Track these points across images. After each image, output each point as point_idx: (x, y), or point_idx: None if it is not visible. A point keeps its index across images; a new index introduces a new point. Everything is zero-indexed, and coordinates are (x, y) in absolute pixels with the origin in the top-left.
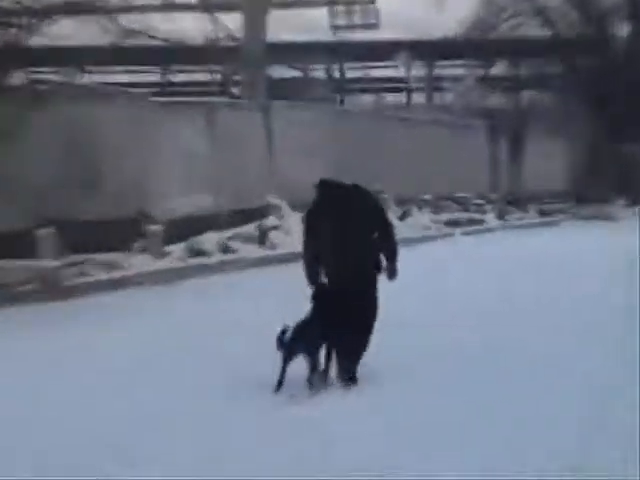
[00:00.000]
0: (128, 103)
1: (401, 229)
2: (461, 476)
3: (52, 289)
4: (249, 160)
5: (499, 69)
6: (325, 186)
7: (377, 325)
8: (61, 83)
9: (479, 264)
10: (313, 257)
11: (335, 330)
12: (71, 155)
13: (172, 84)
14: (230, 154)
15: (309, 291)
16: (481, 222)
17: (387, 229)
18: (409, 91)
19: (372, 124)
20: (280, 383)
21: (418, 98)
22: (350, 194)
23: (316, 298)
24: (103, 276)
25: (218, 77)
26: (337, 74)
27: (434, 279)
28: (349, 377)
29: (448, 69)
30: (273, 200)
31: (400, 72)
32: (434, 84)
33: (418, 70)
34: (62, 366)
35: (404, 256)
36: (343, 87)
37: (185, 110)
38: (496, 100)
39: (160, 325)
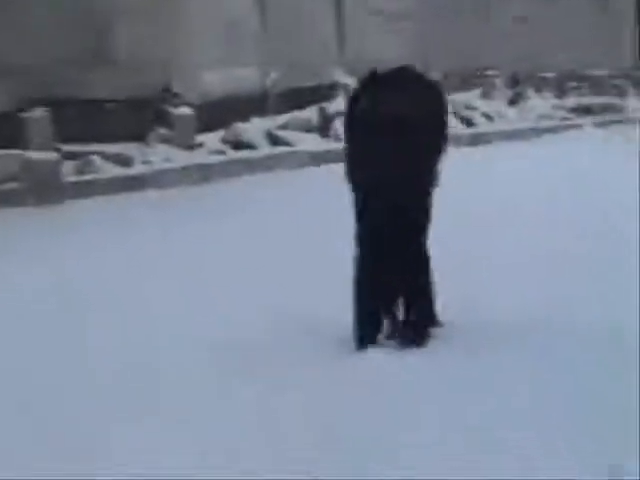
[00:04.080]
0: None
1: (511, 117)
2: None
3: (46, 188)
4: (310, 22)
5: None
6: (374, 82)
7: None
8: None
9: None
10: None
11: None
12: (69, 13)
13: None
14: (283, 13)
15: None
16: (621, 109)
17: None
18: None
19: None
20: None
21: None
22: (411, 81)
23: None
24: (113, 173)
25: None
26: None
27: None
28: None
29: None
30: (341, 77)
31: None
32: None
33: None
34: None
35: (508, 153)
36: None
37: None
38: None
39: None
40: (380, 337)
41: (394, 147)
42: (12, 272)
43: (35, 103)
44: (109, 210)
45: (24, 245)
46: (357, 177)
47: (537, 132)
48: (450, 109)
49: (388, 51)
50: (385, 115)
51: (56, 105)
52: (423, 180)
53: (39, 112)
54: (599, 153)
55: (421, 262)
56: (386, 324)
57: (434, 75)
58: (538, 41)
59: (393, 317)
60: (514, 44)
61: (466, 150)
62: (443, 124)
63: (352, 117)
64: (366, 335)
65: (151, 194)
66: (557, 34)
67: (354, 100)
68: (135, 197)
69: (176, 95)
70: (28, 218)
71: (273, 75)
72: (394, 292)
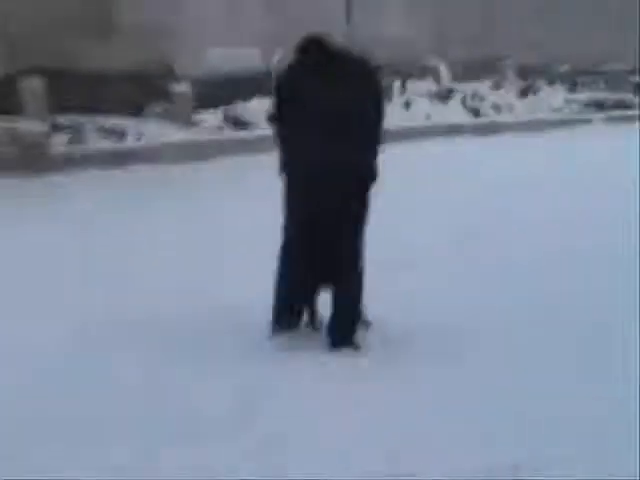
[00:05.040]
0: None
1: (520, 109)
2: None
3: (34, 158)
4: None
5: None
6: (309, 49)
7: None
8: None
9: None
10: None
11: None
12: None
13: None
14: None
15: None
16: (633, 106)
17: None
18: None
19: None
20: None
21: None
22: (342, 64)
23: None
24: (104, 145)
25: None
26: None
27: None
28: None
29: None
30: None
31: None
32: None
33: None
34: None
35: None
36: None
37: None
38: None
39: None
40: (300, 324)
41: (323, 134)
42: None
43: (32, 71)
44: (91, 184)
45: None
46: (287, 164)
47: (544, 125)
48: (458, 99)
49: (396, 33)
50: (315, 101)
51: (54, 75)
52: (356, 168)
53: (35, 81)
54: (606, 149)
55: (352, 255)
56: (306, 313)
57: (443, 62)
58: (554, 33)
59: (313, 307)
60: (528, 34)
61: (471, 140)
62: (377, 107)
63: (280, 103)
64: (283, 320)
65: (139, 169)
66: (574, 27)
67: (283, 84)
68: (122, 172)
69: (175, 71)
70: (11, 187)
71: (278, 55)
72: (318, 281)
